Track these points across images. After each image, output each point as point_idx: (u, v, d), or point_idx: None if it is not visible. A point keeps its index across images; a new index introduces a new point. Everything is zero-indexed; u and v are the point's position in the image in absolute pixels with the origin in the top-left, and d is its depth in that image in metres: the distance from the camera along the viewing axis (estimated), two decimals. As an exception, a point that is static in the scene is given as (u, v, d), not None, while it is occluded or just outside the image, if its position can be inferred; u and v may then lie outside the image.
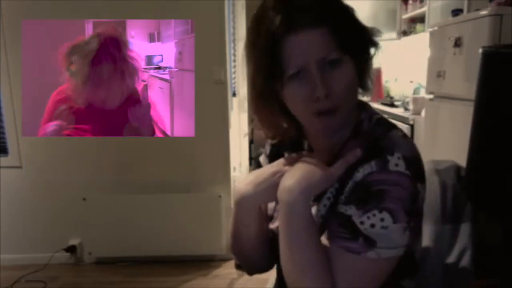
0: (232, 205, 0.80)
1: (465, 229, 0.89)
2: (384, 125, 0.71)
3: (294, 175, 0.66)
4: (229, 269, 2.49)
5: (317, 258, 0.64)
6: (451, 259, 0.88)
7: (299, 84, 0.66)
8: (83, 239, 2.57)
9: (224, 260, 2.57)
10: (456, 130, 2.19)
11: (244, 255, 0.85)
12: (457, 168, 0.96)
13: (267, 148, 0.91)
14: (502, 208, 1.09)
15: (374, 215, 0.62)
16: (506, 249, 1.01)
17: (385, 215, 0.62)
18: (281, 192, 0.66)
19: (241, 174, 3.41)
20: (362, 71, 0.71)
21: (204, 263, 2.53)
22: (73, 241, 2.58)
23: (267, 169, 0.74)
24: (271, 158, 0.88)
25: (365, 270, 0.64)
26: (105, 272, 2.50)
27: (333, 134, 0.73)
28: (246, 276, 2.40)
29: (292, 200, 0.65)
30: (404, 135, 0.70)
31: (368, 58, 0.72)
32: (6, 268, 2.50)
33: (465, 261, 0.88)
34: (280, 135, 0.80)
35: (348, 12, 0.69)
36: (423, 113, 2.77)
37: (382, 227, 0.62)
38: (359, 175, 0.66)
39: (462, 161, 1.05)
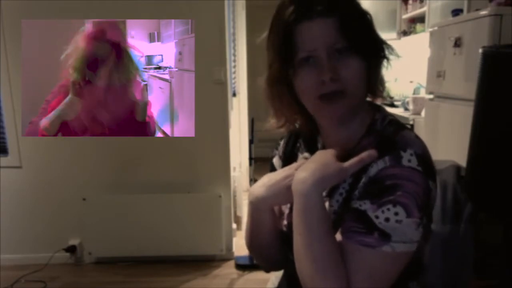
0: (247, 206, 0.83)
1: (465, 229, 0.89)
2: (396, 125, 0.74)
3: (308, 168, 0.68)
4: (229, 269, 2.49)
5: (331, 251, 0.65)
6: (451, 259, 0.88)
7: (308, 69, 0.70)
8: (83, 239, 2.57)
9: (224, 260, 2.57)
10: (456, 130, 2.19)
11: (260, 253, 0.89)
12: (457, 168, 0.96)
13: (280, 150, 0.92)
14: (502, 208, 1.10)
15: (388, 209, 0.64)
16: (506, 250, 1.01)
17: (399, 209, 0.63)
18: (295, 184, 0.68)
19: (241, 174, 3.42)
20: (371, 73, 0.73)
21: (204, 263, 2.53)
22: (73, 241, 2.57)
23: (280, 172, 0.77)
24: (285, 159, 0.89)
25: (380, 265, 0.64)
26: (105, 272, 2.50)
27: (341, 125, 0.75)
28: (246, 276, 2.40)
29: (306, 191, 0.66)
30: (416, 135, 0.71)
31: (377, 62, 0.74)
32: (6, 268, 2.50)
33: (465, 261, 0.88)
34: (291, 123, 0.81)
35: (359, 9, 0.72)
36: (423, 113, 2.77)
37: (397, 221, 0.63)
38: (372, 170, 0.67)
39: (462, 161, 1.05)
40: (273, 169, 0.93)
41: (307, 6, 0.68)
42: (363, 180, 0.68)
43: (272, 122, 0.82)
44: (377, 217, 0.64)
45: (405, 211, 0.63)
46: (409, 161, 0.65)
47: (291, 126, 0.83)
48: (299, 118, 0.80)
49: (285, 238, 0.80)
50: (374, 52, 0.73)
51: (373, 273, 0.64)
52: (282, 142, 0.92)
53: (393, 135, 0.70)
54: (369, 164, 0.68)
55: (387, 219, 0.63)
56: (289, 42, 0.70)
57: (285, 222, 0.83)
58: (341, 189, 0.73)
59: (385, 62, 0.76)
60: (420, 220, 0.64)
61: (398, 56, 0.76)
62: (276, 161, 0.93)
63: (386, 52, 0.75)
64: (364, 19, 0.72)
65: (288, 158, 0.88)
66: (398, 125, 0.74)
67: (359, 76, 0.70)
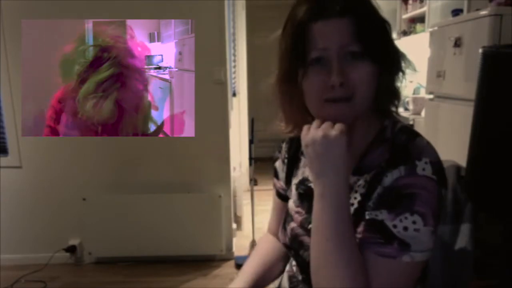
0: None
1: (465, 229, 0.88)
2: (408, 132, 0.72)
3: (318, 162, 0.66)
4: (229, 269, 2.49)
5: (354, 251, 0.63)
6: (451, 259, 0.88)
7: (318, 70, 0.67)
8: (83, 239, 2.57)
9: (224, 260, 2.57)
10: (456, 130, 2.19)
11: None
12: (457, 168, 0.95)
13: (283, 154, 0.91)
14: (502, 208, 1.09)
15: (406, 218, 0.63)
16: (506, 250, 1.01)
17: (417, 217, 0.62)
18: (316, 178, 0.67)
19: (241, 174, 3.42)
20: (382, 83, 0.70)
21: (204, 263, 2.53)
22: (73, 241, 2.58)
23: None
24: (289, 163, 0.88)
25: (399, 274, 0.63)
26: (105, 272, 2.50)
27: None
28: (246, 276, 2.40)
29: (332, 180, 0.65)
30: (428, 142, 0.70)
31: (390, 72, 0.71)
32: (6, 268, 2.50)
33: (465, 261, 0.88)
34: (299, 128, 0.79)
35: (377, 14, 0.70)
36: (423, 113, 2.77)
37: (415, 230, 0.62)
38: (387, 180, 0.66)
39: (462, 161, 1.05)
40: (276, 173, 0.92)
41: (322, 5, 0.66)
42: (378, 190, 0.67)
43: (280, 126, 0.81)
44: (395, 226, 0.63)
45: (422, 220, 0.62)
46: (424, 169, 0.64)
47: (299, 132, 0.80)
48: (307, 124, 0.78)
49: (293, 240, 0.81)
50: (389, 62, 0.70)
51: (392, 283, 0.63)
52: (284, 146, 0.91)
53: (406, 143, 0.69)
54: (383, 175, 0.67)
55: (405, 228, 0.62)
56: (301, 41, 0.67)
57: (294, 224, 0.83)
58: (352, 200, 0.71)
59: (401, 77, 0.73)
60: (434, 228, 0.64)
61: (415, 70, 0.73)
62: (278, 165, 0.92)
63: (403, 65, 0.72)
64: (381, 26, 0.69)
65: (292, 162, 0.87)
66: (410, 132, 0.72)
67: (368, 82, 0.67)
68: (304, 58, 0.68)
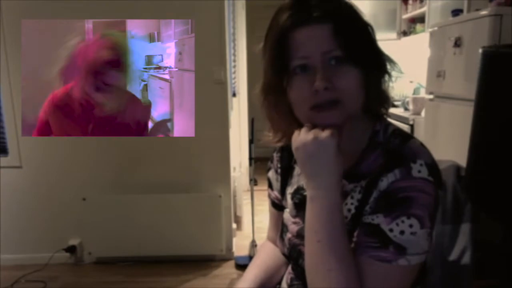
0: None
1: (465, 229, 0.88)
2: (401, 135, 0.71)
3: (309, 168, 0.67)
4: (229, 269, 2.49)
5: (347, 252, 0.63)
6: (451, 259, 0.88)
7: (302, 77, 0.66)
8: (83, 239, 2.57)
9: (224, 260, 2.57)
10: (456, 130, 2.19)
11: None
12: (457, 168, 0.95)
13: (275, 163, 0.91)
14: (502, 208, 1.10)
15: (402, 221, 0.62)
16: (506, 249, 1.01)
17: (413, 221, 0.62)
18: (309, 180, 0.67)
19: (241, 174, 3.42)
20: (370, 87, 0.69)
21: (204, 263, 2.53)
22: (73, 241, 2.58)
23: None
24: (282, 172, 0.88)
25: (395, 278, 0.63)
26: (105, 272, 2.50)
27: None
28: (246, 276, 2.40)
29: (325, 186, 0.65)
30: (422, 144, 0.70)
31: (377, 75, 0.71)
32: (6, 268, 2.50)
33: (465, 261, 0.88)
34: (287, 137, 0.78)
35: (359, 19, 0.69)
36: (423, 113, 2.77)
37: (411, 233, 0.62)
38: (383, 184, 0.66)
39: (462, 161, 1.05)
40: (270, 183, 0.92)
41: (303, 12, 0.65)
42: (374, 195, 0.67)
43: (269, 136, 0.80)
44: (391, 230, 0.63)
45: (419, 223, 0.62)
46: (420, 171, 0.63)
47: (288, 141, 0.78)
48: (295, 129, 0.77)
49: (292, 250, 0.81)
50: (374, 64, 0.69)
51: (388, 287, 0.63)
52: (275, 155, 0.91)
53: (400, 147, 0.68)
54: (378, 178, 0.66)
55: (402, 232, 0.62)
56: (284, 49, 0.66)
57: (290, 235, 0.83)
58: (349, 205, 0.71)
59: (387, 79, 0.72)
60: (430, 230, 0.64)
61: (401, 72, 0.73)
62: (272, 175, 0.92)
63: (388, 67, 0.71)
64: (364, 30, 0.69)
65: (286, 171, 0.87)
66: (403, 135, 0.72)
67: (355, 86, 0.66)
68: (287, 67, 0.67)
